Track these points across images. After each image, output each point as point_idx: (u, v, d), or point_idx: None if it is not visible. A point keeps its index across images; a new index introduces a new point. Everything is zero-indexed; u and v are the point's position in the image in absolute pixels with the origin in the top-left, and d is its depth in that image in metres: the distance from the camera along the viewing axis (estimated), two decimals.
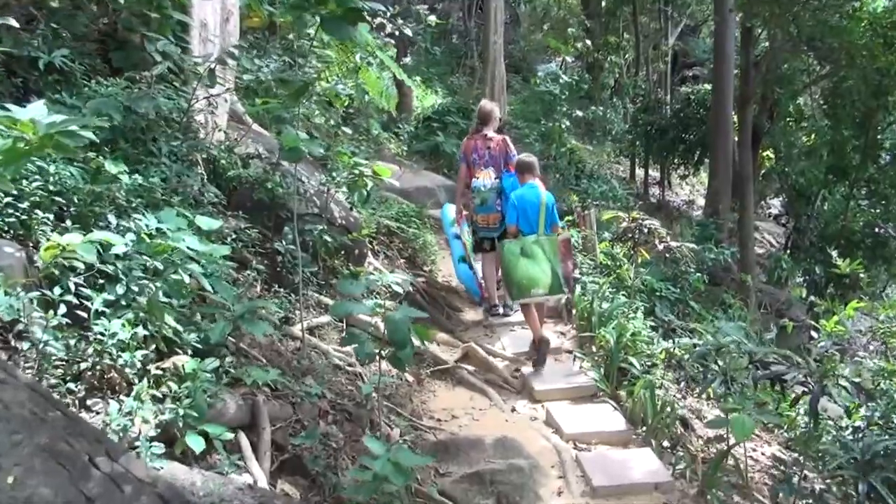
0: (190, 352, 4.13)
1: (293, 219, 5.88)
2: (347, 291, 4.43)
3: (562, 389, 6.57)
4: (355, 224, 7.42)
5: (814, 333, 8.68)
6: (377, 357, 4.30)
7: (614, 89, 23.17)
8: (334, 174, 6.70)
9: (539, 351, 6.86)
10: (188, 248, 3.97)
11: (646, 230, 7.73)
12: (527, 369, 6.89)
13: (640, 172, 21.62)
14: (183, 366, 3.88)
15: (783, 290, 15.87)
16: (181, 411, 3.60)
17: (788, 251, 17.37)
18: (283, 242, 6.12)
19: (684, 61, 25.73)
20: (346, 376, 5.76)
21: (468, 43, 19.92)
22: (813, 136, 17.68)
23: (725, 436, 5.47)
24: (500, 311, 7.97)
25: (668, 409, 6.11)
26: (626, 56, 21.59)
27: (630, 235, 7.92)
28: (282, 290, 5.97)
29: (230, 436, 3.95)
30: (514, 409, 6.37)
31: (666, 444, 6.14)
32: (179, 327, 4.07)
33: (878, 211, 16.23)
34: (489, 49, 14.15)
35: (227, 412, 4.13)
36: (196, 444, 3.59)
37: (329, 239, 6.57)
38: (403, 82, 10.99)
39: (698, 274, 10.63)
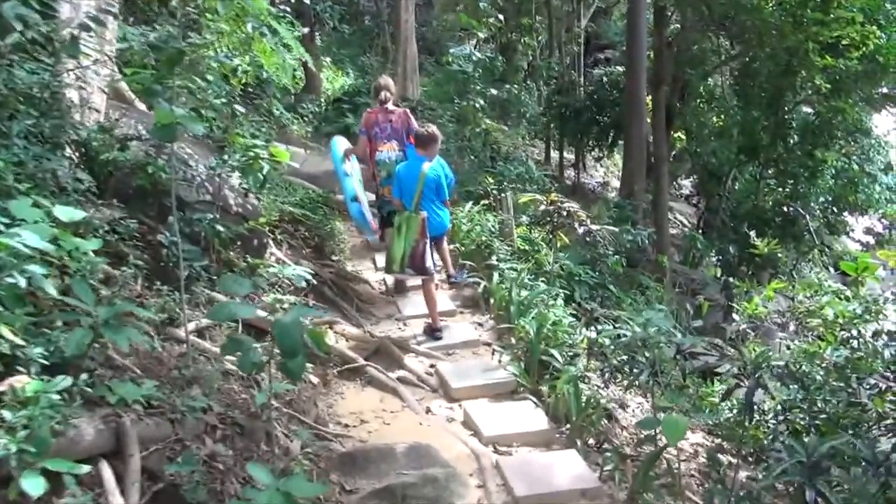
0: (36, 369, 3.40)
1: (179, 207, 5.18)
2: (231, 290, 3.76)
3: (480, 386, 6.02)
4: (254, 212, 6.71)
5: (734, 315, 8.37)
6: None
7: (528, 72, 22.76)
8: (226, 157, 5.96)
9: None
10: (25, 245, 3.22)
11: (565, 213, 7.23)
12: (443, 365, 6.33)
13: (555, 155, 21.26)
14: (23, 388, 3.15)
15: (697, 270, 15.75)
16: (13, 447, 2.88)
17: (701, 231, 17.27)
18: (167, 234, 5.36)
19: (597, 43, 25.44)
20: (241, 383, 5.08)
21: (380, 24, 19.17)
22: (724, 116, 17.60)
23: (656, 436, 5.00)
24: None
25: (593, 404, 5.63)
26: (539, 38, 21.14)
27: (549, 219, 7.41)
28: (166, 287, 5.23)
29: (86, 468, 3.25)
30: (429, 410, 5.79)
31: (592, 441, 5.68)
32: (20, 341, 3.33)
33: (786, 190, 16.23)
34: (401, 28, 13.49)
35: (83, 439, 3.43)
36: (34, 486, 2.88)
37: (221, 228, 5.85)
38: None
39: (616, 256, 10.23)
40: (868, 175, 16.78)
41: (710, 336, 14.34)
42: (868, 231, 18.40)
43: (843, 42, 13.04)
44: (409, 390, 5.99)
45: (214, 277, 6.02)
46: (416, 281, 7.31)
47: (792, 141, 15.95)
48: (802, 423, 5.93)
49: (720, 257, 15.75)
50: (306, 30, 10.74)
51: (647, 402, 6.34)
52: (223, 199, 6.35)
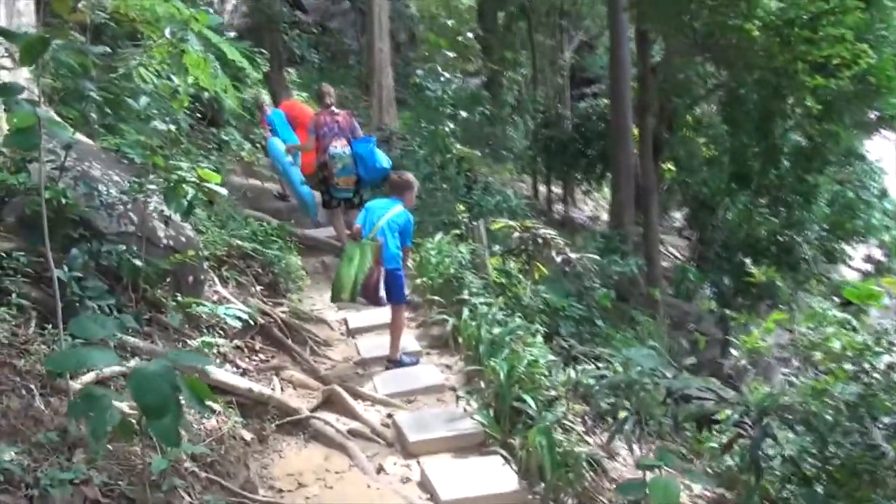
0: None
1: (94, 237, 4.35)
2: (86, 333, 2.88)
3: (442, 439, 5.11)
4: (188, 244, 5.84)
5: (733, 350, 7.49)
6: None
7: (514, 107, 22.10)
8: (142, 180, 5.11)
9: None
10: None
11: (540, 241, 6.36)
12: (401, 416, 5.41)
13: (543, 189, 20.51)
14: None
15: (691, 303, 14.87)
16: None
17: (695, 263, 16.42)
18: (66, 269, 4.49)
19: (582, 77, 24.82)
20: (146, 442, 4.16)
21: (359, 54, 18.52)
22: (713, 144, 16.87)
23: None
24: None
25: (572, 457, 4.71)
26: (524, 72, 20.49)
27: (523, 247, 6.53)
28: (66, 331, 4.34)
29: None
30: (381, 469, 4.87)
31: (572, 501, 4.75)
32: None
33: (781, 218, 15.40)
34: (374, 57, 12.72)
35: None
36: None
37: (139, 263, 4.99)
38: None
39: (604, 290, 9.36)
40: (864, 202, 15.99)
41: (707, 373, 13.41)
42: (868, 259, 17.54)
43: (834, 61, 12.28)
44: (359, 445, 5.07)
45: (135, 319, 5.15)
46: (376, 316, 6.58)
47: (784, 167, 15.18)
48: (813, 470, 5.06)
49: (715, 289, 14.85)
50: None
51: (638, 452, 5.43)
52: (150, 230, 5.49)
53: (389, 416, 5.48)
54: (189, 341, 5.22)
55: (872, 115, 15.17)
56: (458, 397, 5.54)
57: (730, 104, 15.42)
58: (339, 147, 8.37)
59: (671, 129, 16.76)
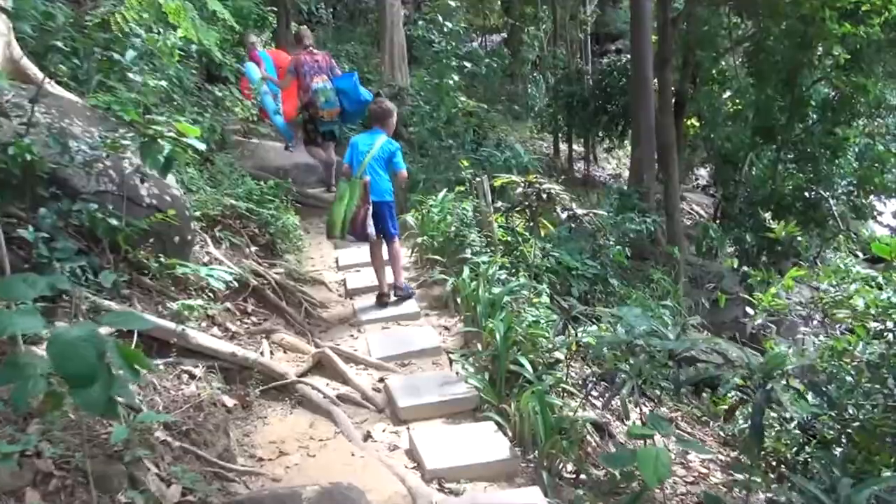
0: None
1: (66, 196, 4.10)
2: (9, 294, 2.61)
3: (434, 405, 4.83)
4: (175, 204, 5.57)
5: (748, 309, 7.16)
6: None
7: (535, 64, 21.53)
8: (115, 135, 4.83)
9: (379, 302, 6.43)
10: None
11: (545, 196, 6.01)
12: (393, 380, 5.14)
13: (564, 147, 20.03)
14: None
15: (714, 261, 14.42)
16: None
17: (718, 221, 15.94)
18: (31, 228, 4.24)
19: (605, 33, 24.17)
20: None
21: (367, 11, 18.07)
22: (737, 98, 16.26)
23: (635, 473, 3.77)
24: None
25: (568, 423, 4.42)
26: (544, 27, 19.87)
27: (527, 203, 6.18)
28: None
29: None
30: (368, 437, 4.60)
31: (571, 468, 4.47)
32: None
33: (807, 173, 14.84)
34: (385, 12, 12.29)
35: None
36: None
37: (115, 223, 4.73)
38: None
39: (618, 247, 8.99)
40: (894, 155, 15.33)
41: (729, 333, 13.02)
42: None
43: (864, 7, 11.66)
44: (348, 411, 4.82)
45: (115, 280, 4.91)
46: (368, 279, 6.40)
47: (811, 121, 14.59)
48: (831, 432, 4.75)
49: (738, 247, 14.38)
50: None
51: (642, 411, 5.13)
52: (131, 188, 5.22)
53: (381, 380, 5.21)
54: (171, 304, 4.97)
55: None
56: (451, 360, 5.25)
57: (755, 56, 14.82)
58: (321, 82, 8.71)
59: (695, 84, 16.20)
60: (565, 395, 5.12)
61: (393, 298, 6.44)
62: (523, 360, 4.86)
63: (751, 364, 3.47)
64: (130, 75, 5.29)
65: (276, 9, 11.33)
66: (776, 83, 14.17)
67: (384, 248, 6.46)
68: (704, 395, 7.37)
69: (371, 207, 6.07)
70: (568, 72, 18.59)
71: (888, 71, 14.02)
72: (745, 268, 12.82)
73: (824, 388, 3.94)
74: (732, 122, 16.35)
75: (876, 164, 14.78)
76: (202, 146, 4.90)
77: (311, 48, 8.97)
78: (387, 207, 6.32)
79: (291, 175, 8.96)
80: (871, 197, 15.53)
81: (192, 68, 7.49)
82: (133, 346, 4.49)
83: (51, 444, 3.33)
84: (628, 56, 18.18)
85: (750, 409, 3.67)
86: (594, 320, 5.35)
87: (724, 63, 16.75)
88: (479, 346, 5.38)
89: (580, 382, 5.23)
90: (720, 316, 13.72)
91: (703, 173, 22.14)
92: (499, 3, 21.03)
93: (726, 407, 5.85)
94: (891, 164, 14.85)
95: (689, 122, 16.81)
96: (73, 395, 2.41)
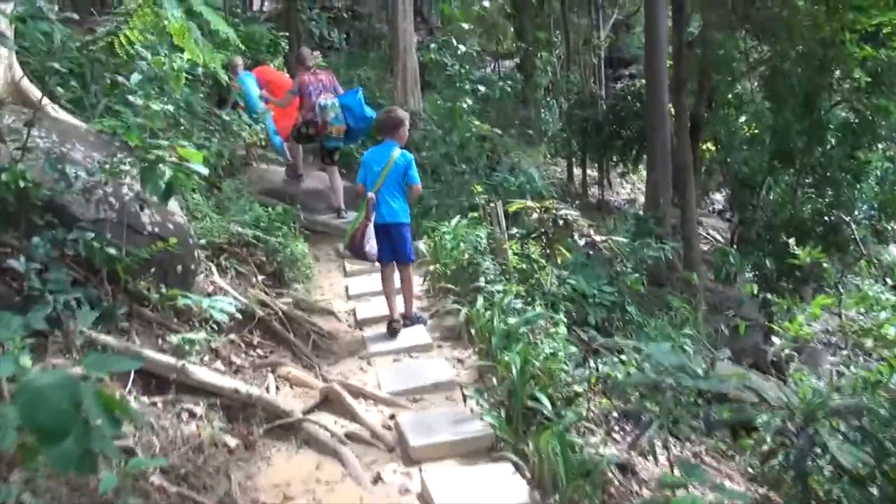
0: None
1: (62, 225, 3.88)
2: None
3: (448, 444, 4.54)
4: (178, 231, 5.35)
5: (774, 338, 6.85)
6: None
7: (548, 89, 21.36)
8: (115, 160, 4.62)
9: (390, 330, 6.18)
10: None
11: (561, 222, 5.75)
12: (404, 417, 4.86)
13: (578, 172, 19.79)
14: None
15: (732, 287, 14.08)
16: None
17: (735, 246, 15.60)
18: (22, 259, 4.02)
19: (619, 57, 24.01)
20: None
21: (380, 36, 17.95)
22: (754, 122, 15.99)
23: None
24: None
25: (591, 464, 4.12)
26: (557, 52, 19.71)
27: (543, 230, 5.92)
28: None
29: None
30: (378, 479, 4.31)
31: None
32: None
33: (827, 198, 14.50)
34: (398, 37, 12.13)
35: None
36: None
37: (113, 252, 4.50)
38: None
39: (636, 274, 8.70)
40: None
41: (749, 360, 12.62)
42: None
43: (885, 30, 11.41)
44: (357, 451, 4.53)
45: (113, 314, 4.67)
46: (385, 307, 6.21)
47: (830, 144, 14.28)
48: (867, 468, 4.42)
49: (756, 272, 14.03)
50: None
51: (670, 452, 4.82)
52: (132, 216, 5.01)
53: (392, 416, 4.93)
54: (172, 336, 4.73)
55: None
56: (465, 396, 4.97)
57: (772, 79, 14.58)
58: (328, 99, 8.66)
59: (711, 108, 15.95)
60: (586, 431, 4.83)
61: (402, 327, 6.21)
62: (541, 396, 4.57)
63: (790, 404, 3.18)
64: (131, 98, 5.05)
65: (287, 34, 11.19)
66: (794, 107, 13.89)
67: (396, 274, 6.23)
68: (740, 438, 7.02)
69: (370, 224, 5.95)
70: (581, 96, 18.40)
71: None
72: (765, 294, 12.49)
73: (871, 432, 3.63)
74: (749, 146, 16.09)
75: None
76: (205, 171, 4.69)
77: (314, 69, 9.01)
78: (402, 229, 6.11)
79: (301, 201, 8.74)
80: (893, 221, 15.16)
81: (201, 92, 7.32)
82: (129, 383, 4.27)
83: (34, 495, 3.08)
84: (642, 81, 18.01)
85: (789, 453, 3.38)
86: (615, 352, 5.06)
87: (740, 87, 16.52)
88: (495, 381, 5.10)
89: (602, 418, 4.93)
90: (740, 343, 13.35)
91: (718, 198, 21.82)
92: (511, 28, 20.88)
93: (758, 446, 5.54)
94: None
95: (704, 147, 16.55)
96: (44, 449, 2.15)
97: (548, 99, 21.00)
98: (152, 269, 5.04)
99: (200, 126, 7.01)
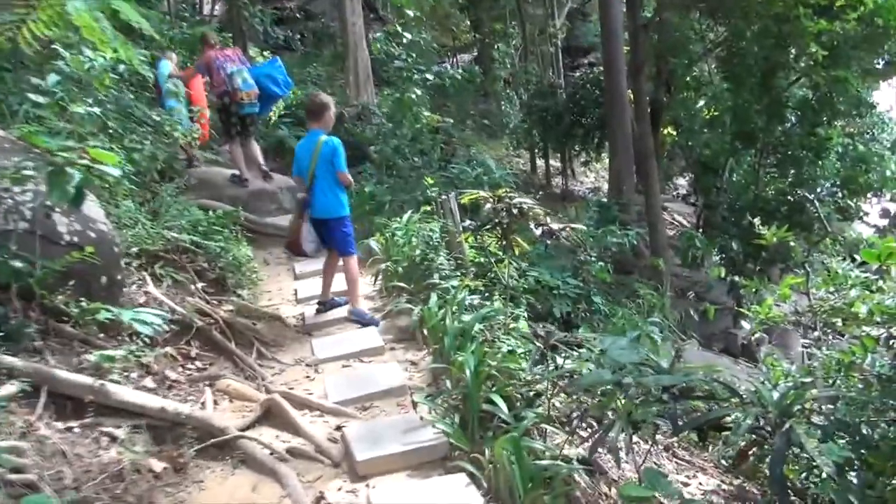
0: None
1: None
2: None
3: (398, 455, 4.13)
4: (101, 240, 4.89)
5: (744, 322, 6.52)
6: None
7: (507, 81, 21.04)
8: (17, 164, 4.16)
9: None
10: None
11: (516, 211, 5.38)
12: (351, 428, 4.46)
13: (541, 164, 19.49)
14: None
15: (699, 271, 13.85)
16: None
17: (701, 230, 15.37)
18: None
19: (576, 46, 23.72)
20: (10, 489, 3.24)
21: (330, 33, 17.46)
22: (714, 104, 15.77)
23: None
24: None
25: (551, 472, 3.74)
26: (514, 42, 19.38)
27: (497, 220, 5.54)
28: None
29: None
30: (321, 499, 3.90)
31: None
32: None
33: (789, 176, 14.31)
34: (348, 32, 11.67)
35: None
36: None
37: (19, 265, 4.05)
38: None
39: (601, 263, 8.38)
40: (877, 154, 14.84)
41: (720, 345, 12.33)
42: (884, 214, 16.39)
43: (838, 3, 11.18)
44: (300, 467, 4.12)
45: (26, 332, 4.22)
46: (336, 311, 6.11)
47: (790, 122, 14.09)
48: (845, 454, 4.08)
49: (723, 255, 13.80)
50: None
51: (634, 455, 4.47)
52: (48, 226, 4.55)
53: (339, 428, 4.51)
54: (90, 355, 4.28)
55: (880, 61, 14.09)
56: (414, 402, 4.58)
57: (729, 59, 14.36)
58: (237, 66, 8.45)
59: (670, 92, 15.70)
60: (548, 433, 4.46)
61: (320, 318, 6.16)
62: (496, 398, 4.18)
63: (763, 399, 2.82)
64: (40, 99, 4.60)
65: (231, 34, 10.70)
66: (752, 86, 13.67)
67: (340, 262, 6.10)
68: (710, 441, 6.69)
69: (305, 222, 5.76)
70: (541, 86, 18.08)
71: (865, 68, 13.54)
72: (732, 277, 12.27)
73: (856, 421, 3.29)
74: (710, 129, 15.89)
75: (859, 164, 14.28)
76: (116, 173, 4.25)
77: (218, 46, 8.83)
78: (338, 223, 5.84)
79: (244, 202, 8.28)
80: (856, 197, 15.01)
81: (130, 91, 6.85)
82: (40, 407, 3.83)
83: None
84: (601, 68, 17.74)
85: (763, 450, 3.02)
86: (576, 347, 4.70)
87: (697, 69, 16.29)
88: (449, 383, 4.71)
89: (565, 417, 4.56)
90: (709, 327, 13.13)
91: (682, 182, 21.67)
92: (467, 20, 20.51)
93: (731, 444, 5.21)
94: (874, 163, 14.35)
95: (665, 131, 16.30)
96: None
97: (507, 91, 20.67)
98: (71, 282, 4.58)
99: (132, 128, 6.53)
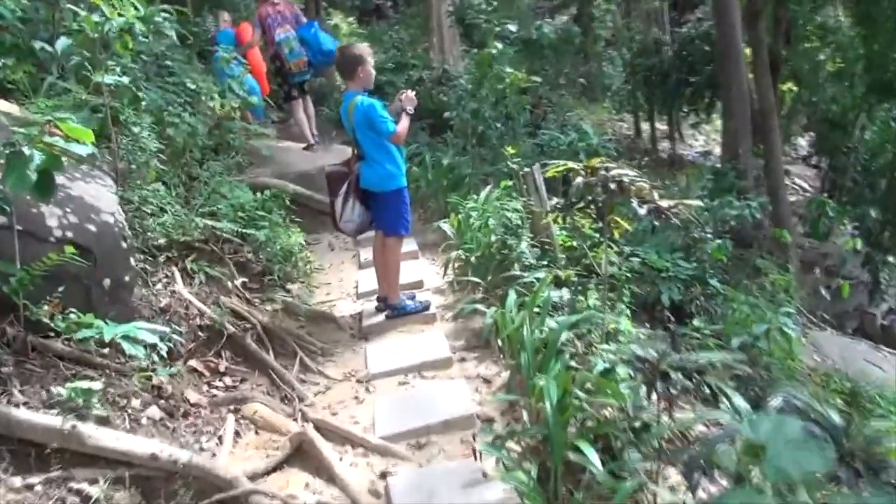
0: None
1: None
2: None
3: None
4: (107, 233, 3.94)
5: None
6: None
7: (609, 41, 19.33)
8: None
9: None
10: None
11: (613, 185, 4.11)
12: (400, 474, 3.36)
13: (646, 127, 17.80)
14: None
15: (829, 243, 12.06)
16: None
17: (827, 195, 13.47)
18: None
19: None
20: None
21: None
22: (841, 54, 13.75)
23: None
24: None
25: None
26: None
27: (590, 197, 4.27)
28: None
29: None
30: None
31: None
32: None
33: None
34: None
35: None
36: None
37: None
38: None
39: (718, 241, 6.97)
40: None
41: (854, 324, 10.52)
42: None
43: None
44: None
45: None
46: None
47: None
48: None
49: (857, 224, 11.93)
50: None
51: None
52: (33, 219, 3.63)
53: (384, 475, 3.42)
54: (56, 388, 3.29)
55: None
56: (474, 450, 3.43)
57: (861, 1, 12.32)
58: (284, 33, 8.07)
59: (789, 42, 13.75)
60: (660, 477, 3.24)
61: (380, 318, 5.05)
62: (584, 447, 2.99)
63: None
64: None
65: None
66: (890, 30, 11.67)
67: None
68: None
69: (339, 199, 4.79)
70: (645, 44, 16.35)
71: None
72: (868, 249, 10.54)
73: None
74: (836, 82, 13.86)
75: None
76: (85, 151, 3.25)
77: (273, 1, 8.24)
78: (385, 199, 4.76)
79: (314, 181, 7.25)
80: None
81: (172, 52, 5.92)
82: None
83: None
84: (711, 22, 15.86)
85: None
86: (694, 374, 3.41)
87: (821, 15, 14.26)
88: (526, 416, 3.54)
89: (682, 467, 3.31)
90: (841, 305, 11.40)
91: (802, 143, 19.47)
92: None
93: None
94: None
95: (784, 87, 14.39)
96: None
97: (609, 51, 18.97)
98: (61, 288, 3.64)
99: (169, 99, 5.57)
